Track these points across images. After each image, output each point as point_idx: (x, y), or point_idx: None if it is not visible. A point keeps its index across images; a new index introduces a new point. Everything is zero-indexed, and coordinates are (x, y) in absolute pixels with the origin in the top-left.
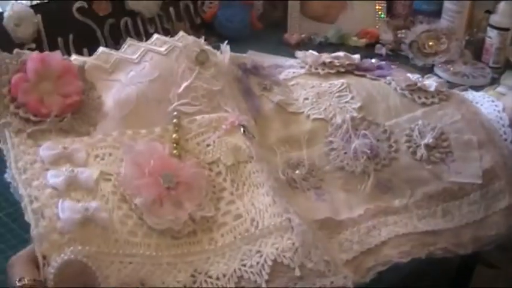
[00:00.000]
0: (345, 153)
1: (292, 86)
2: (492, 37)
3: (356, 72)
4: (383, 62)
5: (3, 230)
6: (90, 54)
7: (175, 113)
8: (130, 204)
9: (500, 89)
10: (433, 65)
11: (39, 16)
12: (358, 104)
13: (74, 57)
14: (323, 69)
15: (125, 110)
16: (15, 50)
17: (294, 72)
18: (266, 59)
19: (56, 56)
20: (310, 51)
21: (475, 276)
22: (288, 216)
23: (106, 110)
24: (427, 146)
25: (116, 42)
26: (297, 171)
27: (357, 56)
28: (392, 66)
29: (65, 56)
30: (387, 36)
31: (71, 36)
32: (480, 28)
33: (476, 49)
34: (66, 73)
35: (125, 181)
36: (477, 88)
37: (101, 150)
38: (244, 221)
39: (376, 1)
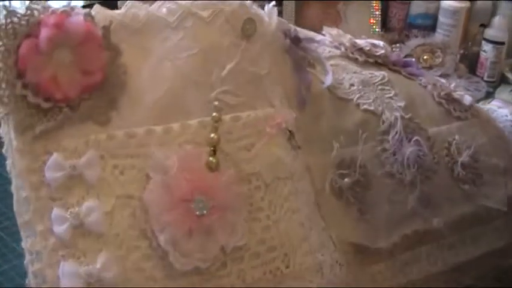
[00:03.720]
0: (395, 157)
1: (332, 66)
2: (487, 51)
3: (391, 67)
4: (411, 59)
5: None
6: None
7: (216, 103)
8: (152, 242)
9: (495, 102)
10: None
11: None
12: (403, 103)
13: (97, 10)
14: (361, 56)
15: (156, 94)
16: (27, 5)
17: (329, 52)
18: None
19: (78, 18)
20: (338, 30)
21: None
22: (320, 257)
23: (133, 90)
24: (463, 164)
25: None
26: (346, 179)
27: (388, 47)
28: (419, 67)
29: (87, 11)
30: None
31: None
32: (475, 42)
33: (471, 63)
34: (89, 41)
35: (152, 213)
36: None
37: (121, 160)
38: (277, 257)
39: (371, 15)
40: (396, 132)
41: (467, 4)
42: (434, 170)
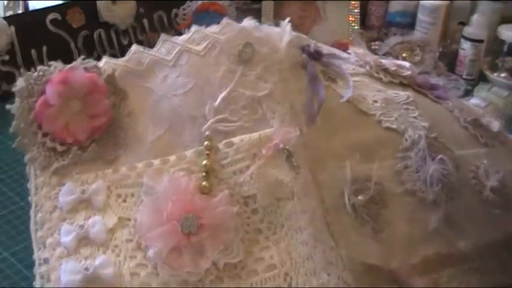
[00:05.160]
0: (418, 175)
1: (355, 82)
2: (466, 49)
3: (416, 88)
4: (439, 83)
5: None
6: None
7: (207, 133)
8: (146, 253)
9: (474, 100)
10: None
11: (12, 28)
12: (427, 124)
13: (105, 60)
14: (385, 76)
15: (157, 132)
16: (39, 68)
17: (353, 69)
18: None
19: (79, 72)
20: (364, 50)
21: None
22: (325, 277)
23: (137, 130)
24: (492, 188)
25: (89, 54)
26: (360, 197)
27: (415, 69)
28: (447, 91)
29: (93, 63)
30: (361, 47)
31: (44, 48)
32: (454, 40)
33: (450, 61)
34: (94, 90)
35: (141, 230)
36: None
37: (124, 190)
38: (277, 275)
39: (350, 13)
40: (419, 149)
41: (446, 2)
42: (460, 191)
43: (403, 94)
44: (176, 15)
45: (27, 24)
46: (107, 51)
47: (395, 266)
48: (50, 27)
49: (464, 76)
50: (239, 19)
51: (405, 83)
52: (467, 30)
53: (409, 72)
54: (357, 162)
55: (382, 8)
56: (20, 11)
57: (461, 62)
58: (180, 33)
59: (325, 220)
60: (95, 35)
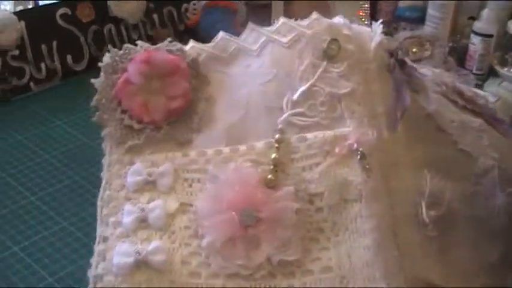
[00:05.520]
0: (487, 204)
1: (434, 99)
2: (476, 44)
3: (487, 119)
4: (504, 119)
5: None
6: (74, 60)
7: (280, 126)
8: (201, 242)
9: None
10: None
11: (22, 23)
12: (496, 155)
13: (191, 44)
14: (460, 100)
15: (231, 120)
16: (125, 46)
17: (431, 86)
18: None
19: (163, 53)
20: (439, 70)
21: None
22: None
23: (211, 115)
24: None
25: (99, 49)
26: (432, 212)
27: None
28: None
29: (179, 46)
30: None
31: (54, 43)
32: (464, 35)
33: (459, 56)
34: (175, 72)
35: (200, 217)
36: None
37: (191, 174)
38: (333, 278)
39: (360, 7)
40: (491, 178)
41: None
42: None
43: (475, 121)
44: (186, 10)
45: (37, 19)
46: (117, 46)
47: None
48: (60, 22)
49: (474, 71)
50: (248, 15)
51: (477, 111)
52: (477, 25)
53: (483, 101)
54: (432, 176)
55: (391, 3)
56: (30, 6)
57: (471, 56)
58: (189, 29)
59: (392, 229)
60: (105, 30)
